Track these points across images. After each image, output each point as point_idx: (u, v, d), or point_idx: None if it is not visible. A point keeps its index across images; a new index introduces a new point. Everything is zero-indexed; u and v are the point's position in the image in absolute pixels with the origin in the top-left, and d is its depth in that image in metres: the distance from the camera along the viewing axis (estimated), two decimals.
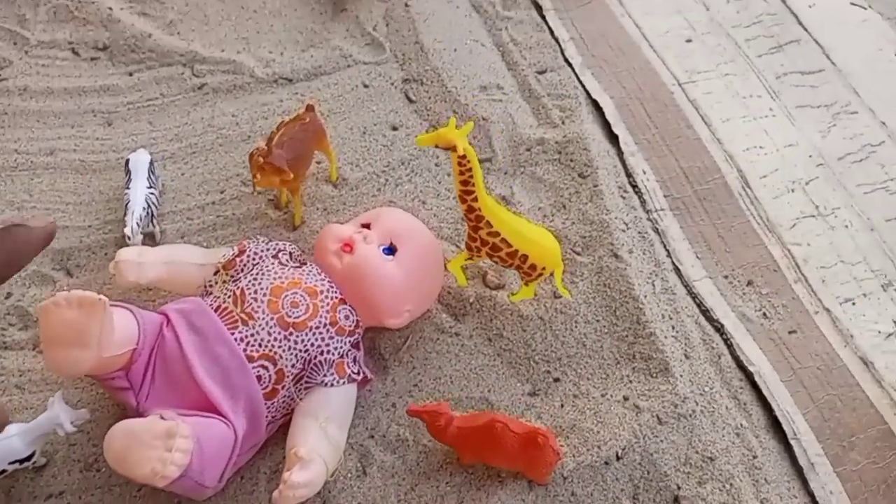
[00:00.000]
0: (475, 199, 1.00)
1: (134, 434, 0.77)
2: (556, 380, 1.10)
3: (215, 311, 0.94)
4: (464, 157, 0.95)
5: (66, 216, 1.17)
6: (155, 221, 1.13)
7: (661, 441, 1.04)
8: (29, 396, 1.01)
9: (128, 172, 1.14)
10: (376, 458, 1.01)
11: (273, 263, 1.00)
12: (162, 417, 0.81)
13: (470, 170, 0.96)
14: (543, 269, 1.07)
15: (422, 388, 1.08)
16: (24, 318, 1.08)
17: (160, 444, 0.76)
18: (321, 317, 0.96)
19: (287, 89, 1.37)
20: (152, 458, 0.75)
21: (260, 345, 0.92)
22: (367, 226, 1.04)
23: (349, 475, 0.99)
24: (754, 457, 1.06)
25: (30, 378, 1.02)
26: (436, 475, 1.01)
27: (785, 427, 1.09)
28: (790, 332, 1.19)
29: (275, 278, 0.97)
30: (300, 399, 0.95)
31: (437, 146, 0.95)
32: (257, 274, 0.98)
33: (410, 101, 1.40)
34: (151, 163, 1.16)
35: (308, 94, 1.37)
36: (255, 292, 0.95)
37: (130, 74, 1.35)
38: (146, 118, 1.30)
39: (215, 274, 1.01)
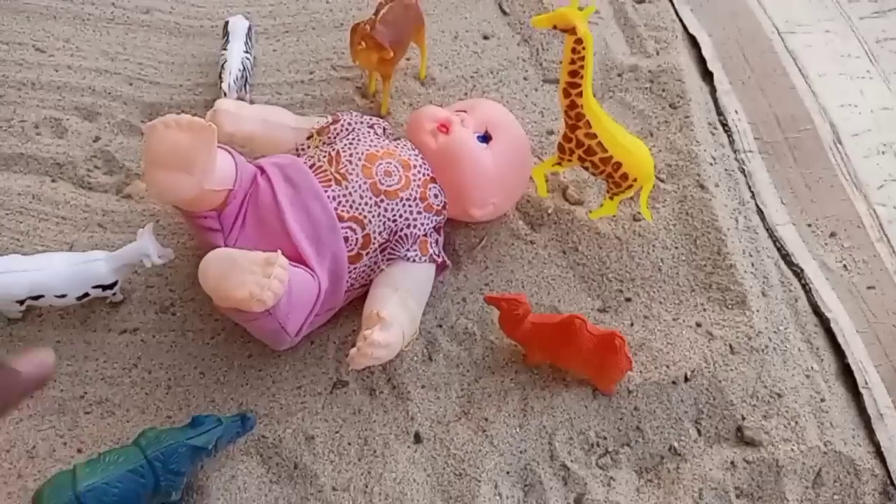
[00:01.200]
0: (580, 94, 0.97)
1: (233, 259, 0.77)
2: (628, 299, 1.09)
3: (310, 168, 0.93)
4: (580, 41, 0.92)
5: (158, 73, 1.17)
6: (248, 87, 1.12)
7: (731, 370, 1.02)
8: (111, 235, 1.01)
9: (226, 34, 1.13)
10: (443, 346, 1.01)
11: (368, 133, 0.99)
12: None
13: (583, 58, 0.93)
14: (635, 180, 1.04)
15: (492, 287, 1.07)
16: (109, 163, 1.08)
17: (259, 269, 0.75)
18: (412, 190, 0.95)
19: None
20: (250, 282, 0.75)
21: (351, 206, 0.91)
22: (463, 112, 1.02)
23: (415, 358, 0.99)
24: (822, 400, 1.04)
25: (112, 219, 1.03)
26: (501, 370, 1.00)
27: (857, 375, 1.07)
28: (869, 288, 1.16)
29: (370, 145, 0.95)
30: (381, 270, 0.94)
31: (553, 27, 0.92)
32: (353, 140, 0.96)
33: (504, 13, 1.37)
34: (250, 28, 1.15)
35: None
36: (351, 156, 0.93)
37: None
38: None
39: (308, 138, 1.00)
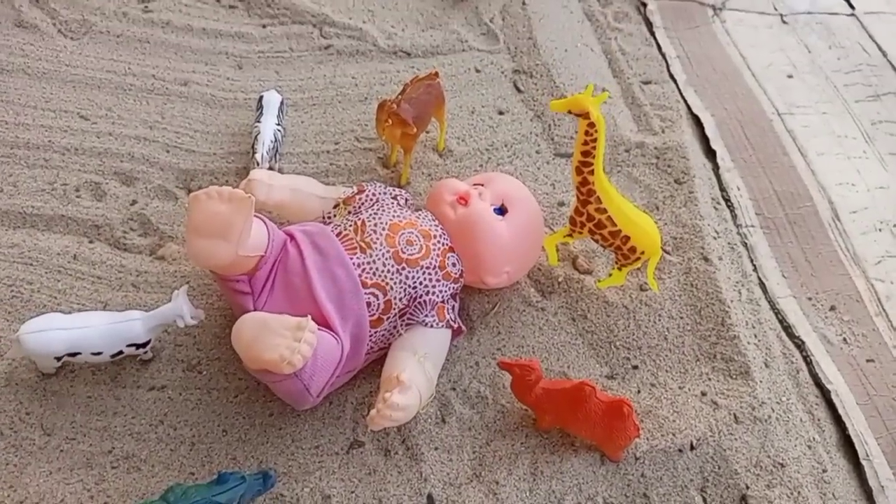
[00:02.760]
0: (591, 172, 1.04)
1: (265, 322, 0.82)
2: (635, 367, 1.13)
3: (336, 236, 0.98)
4: (593, 125, 0.99)
5: (194, 141, 1.24)
6: (278, 156, 1.19)
7: (736, 439, 1.05)
8: (144, 295, 1.06)
9: (260, 107, 1.21)
10: (456, 409, 1.04)
11: (392, 203, 1.05)
12: None
13: (595, 140, 1.00)
14: (642, 253, 1.10)
15: (504, 352, 1.11)
16: (144, 226, 1.14)
17: (290, 334, 0.80)
18: (432, 259, 1.00)
19: (405, 62, 1.44)
20: (281, 345, 0.79)
21: (374, 273, 0.96)
22: (480, 185, 1.09)
23: (429, 420, 1.03)
24: (824, 471, 1.07)
25: (146, 279, 1.08)
26: (511, 434, 1.03)
27: (857, 447, 1.09)
28: (868, 361, 1.20)
29: (393, 216, 1.01)
30: (399, 334, 0.99)
31: (569, 111, 0.99)
32: (377, 210, 1.02)
33: (518, 90, 1.45)
34: (282, 103, 1.22)
35: (424, 69, 1.43)
36: (375, 225, 0.99)
37: (264, 26, 1.43)
38: (274, 67, 1.38)
39: (334, 207, 1.06)
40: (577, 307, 1.17)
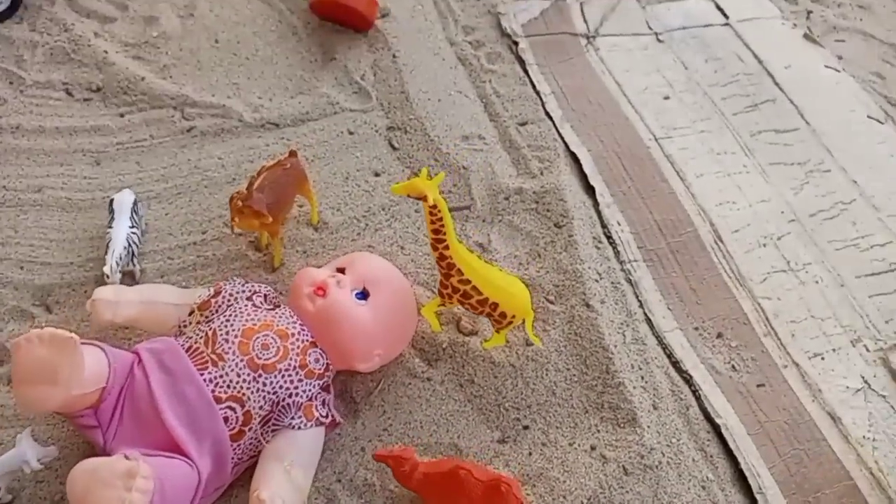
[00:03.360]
0: (446, 248, 1.03)
1: (95, 473, 0.78)
2: (526, 427, 1.12)
3: (186, 351, 0.95)
4: (434, 206, 0.98)
5: (49, 252, 1.19)
6: (135, 260, 1.15)
7: (627, 492, 1.05)
8: (0, 433, 1.01)
9: (111, 212, 1.17)
10: (342, 502, 1.02)
11: (247, 305, 1.02)
12: (126, 457, 0.82)
13: (441, 219, 0.99)
14: (514, 317, 1.09)
15: (391, 432, 1.09)
16: (0, 353, 1.09)
17: (120, 483, 0.77)
18: (291, 359, 0.97)
19: (274, 134, 1.41)
20: (112, 498, 0.76)
21: (228, 386, 0.93)
22: (342, 270, 1.07)
23: None
24: None
25: (2, 413, 1.03)
26: None
27: (751, 481, 1.10)
28: (758, 386, 1.21)
29: (247, 320, 0.99)
30: (267, 441, 0.96)
31: (409, 195, 0.98)
32: (230, 315, 1.00)
33: (394, 148, 1.43)
34: (135, 202, 1.19)
35: (294, 139, 1.41)
36: (227, 333, 0.96)
37: (122, 116, 1.39)
38: (134, 158, 1.34)
39: (190, 314, 1.03)
40: (464, 372, 1.15)
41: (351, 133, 1.45)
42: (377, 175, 1.39)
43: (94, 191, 1.28)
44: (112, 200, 1.18)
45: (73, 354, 0.82)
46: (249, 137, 1.40)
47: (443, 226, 1.00)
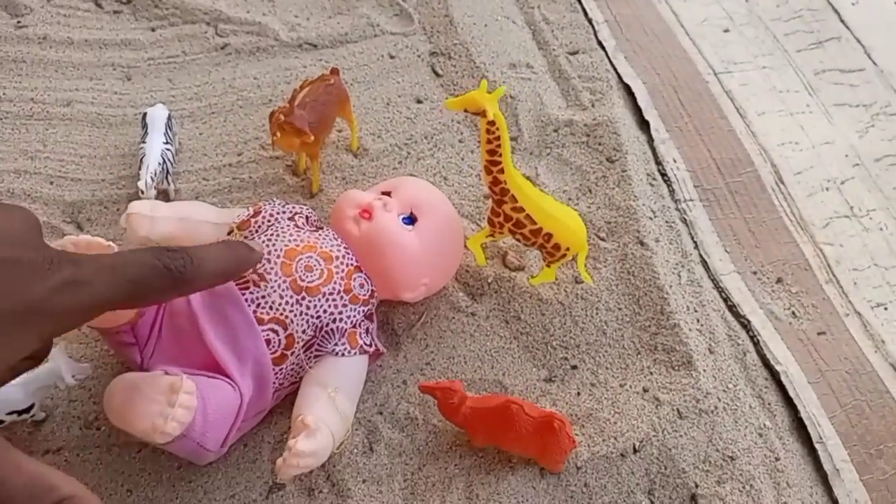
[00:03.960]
0: (501, 171, 0.96)
1: (136, 387, 0.74)
2: (574, 367, 1.06)
3: None
4: (493, 123, 0.90)
5: (80, 169, 1.14)
6: (170, 178, 1.10)
7: (681, 436, 1.00)
8: None
9: (144, 126, 1.11)
10: (384, 434, 0.98)
11: (289, 225, 0.96)
12: (166, 373, 0.77)
13: (498, 138, 0.92)
14: (567, 250, 1.02)
15: (434, 366, 1.04)
16: None
17: (163, 398, 0.72)
18: (335, 283, 0.92)
19: (311, 55, 1.34)
20: (153, 412, 0.72)
21: (271, 307, 0.88)
22: (387, 194, 1.00)
23: (355, 450, 0.96)
24: (777, 459, 1.02)
25: None
26: (444, 456, 0.97)
27: (810, 430, 1.04)
28: (819, 334, 1.15)
29: (290, 240, 0.93)
30: (309, 367, 0.92)
31: (465, 110, 0.91)
32: (272, 235, 0.94)
33: (437, 74, 1.36)
34: (169, 118, 1.12)
35: (333, 61, 1.33)
36: (269, 254, 0.91)
37: (153, 30, 1.31)
38: (166, 75, 1.27)
39: (229, 234, 0.97)
40: (510, 308, 1.10)
41: (392, 57, 1.37)
42: (419, 102, 1.32)
43: (126, 107, 1.21)
44: (144, 115, 1.12)
45: None
46: (286, 57, 1.32)
47: (499, 146, 0.93)
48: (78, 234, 1.07)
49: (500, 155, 0.94)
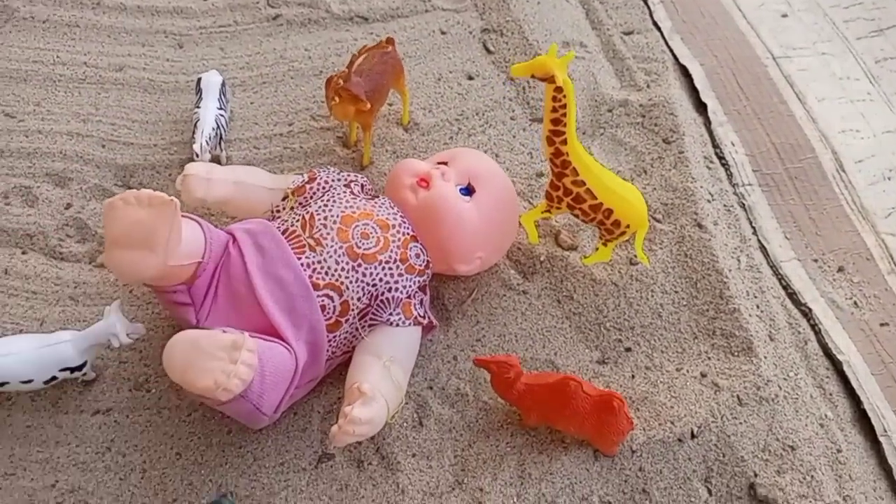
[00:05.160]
0: (564, 142, 0.93)
1: (198, 344, 0.72)
2: (628, 349, 1.03)
3: (283, 234, 0.89)
4: (560, 90, 0.88)
5: (132, 133, 1.13)
6: (223, 144, 1.08)
7: (741, 423, 0.97)
8: (82, 309, 0.97)
9: (199, 91, 1.10)
10: (434, 409, 0.96)
11: (345, 192, 0.95)
12: (224, 332, 0.76)
13: (564, 106, 0.89)
14: (627, 226, 0.99)
15: (485, 343, 1.02)
16: (82, 231, 1.04)
17: (224, 355, 0.71)
18: (391, 251, 0.90)
19: (362, 28, 1.32)
20: (215, 369, 0.70)
21: (326, 273, 0.86)
22: (444, 164, 0.98)
23: (405, 424, 0.94)
24: (838, 451, 0.98)
25: (84, 291, 0.99)
26: (496, 434, 0.95)
27: (874, 423, 1.01)
28: (882, 325, 1.11)
29: (346, 207, 0.91)
30: (363, 337, 0.90)
31: (532, 76, 0.88)
32: (328, 201, 0.92)
33: (488, 51, 1.33)
34: (223, 84, 1.11)
35: (383, 34, 1.31)
36: (325, 219, 0.89)
37: None
38: (218, 44, 1.26)
39: (283, 199, 0.96)
40: (563, 287, 1.07)
41: (443, 33, 1.34)
42: (471, 78, 1.29)
43: (178, 74, 1.21)
44: (200, 80, 1.11)
45: (172, 220, 0.75)
46: (337, 30, 1.31)
47: (565, 115, 0.90)
48: None
49: (565, 125, 0.91)
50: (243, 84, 1.21)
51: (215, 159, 1.08)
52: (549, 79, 0.87)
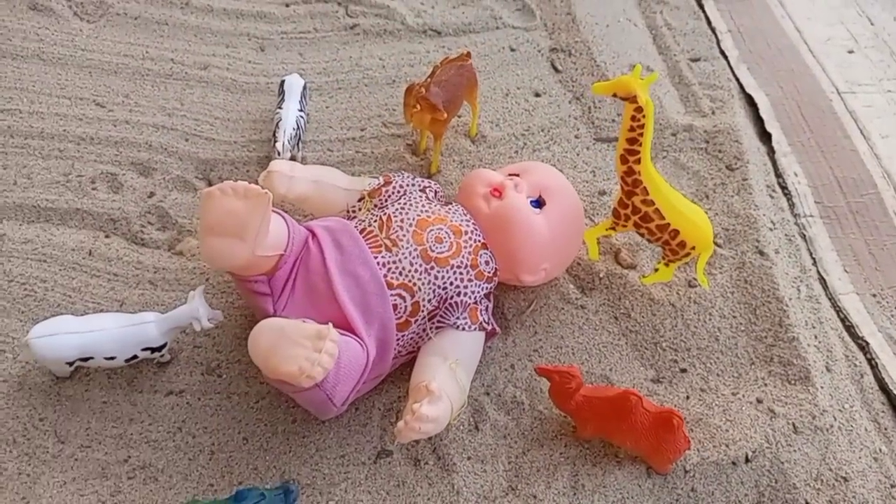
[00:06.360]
0: (637, 161, 0.95)
1: (283, 331, 0.75)
2: (683, 370, 1.04)
3: (360, 233, 0.92)
4: (640, 110, 0.90)
5: (214, 129, 1.18)
6: (301, 144, 1.13)
7: (795, 451, 0.97)
8: (161, 294, 1.01)
9: (281, 93, 1.14)
10: (490, 415, 0.98)
11: (420, 197, 0.98)
12: (306, 322, 0.79)
13: (642, 126, 0.91)
14: (693, 248, 1.01)
15: (542, 354, 1.04)
16: (163, 219, 1.08)
17: (309, 343, 0.74)
18: (463, 257, 0.93)
19: (435, 41, 1.36)
20: (300, 356, 0.73)
21: (400, 273, 0.89)
22: (515, 175, 1.01)
23: (461, 428, 0.96)
24: (892, 486, 0.98)
25: (163, 276, 1.03)
26: (550, 443, 0.96)
27: None
28: None
29: (421, 211, 0.94)
30: (430, 337, 0.92)
31: (614, 95, 0.90)
32: (404, 204, 0.95)
33: (556, 70, 1.36)
34: (305, 87, 1.16)
35: (455, 49, 1.35)
36: (402, 221, 0.92)
37: (287, 6, 1.36)
38: (297, 49, 1.31)
39: (359, 200, 0.99)
40: (620, 305, 1.08)
41: (512, 50, 1.38)
42: (538, 96, 1.32)
43: (259, 75, 1.25)
44: (283, 82, 1.15)
45: (265, 211, 0.79)
46: (411, 42, 1.35)
47: (642, 135, 0.92)
48: None
49: (640, 144, 0.93)
50: (319, 89, 1.26)
51: (293, 159, 1.13)
52: (631, 98, 0.89)
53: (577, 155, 1.25)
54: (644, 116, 0.91)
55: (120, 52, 1.26)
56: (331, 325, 0.77)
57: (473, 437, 0.96)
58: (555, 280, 1.09)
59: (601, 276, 1.11)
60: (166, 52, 1.27)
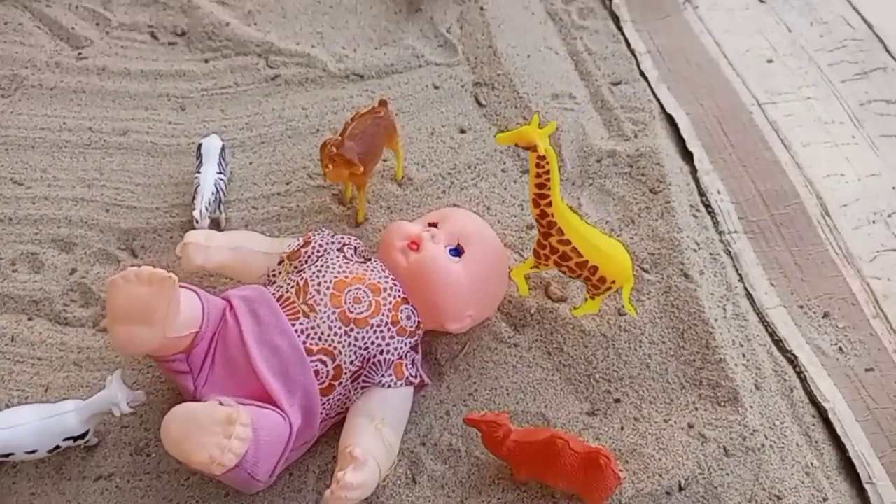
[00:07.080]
0: (549, 204, 0.96)
1: (194, 418, 0.76)
2: (617, 400, 1.06)
3: (278, 300, 0.92)
4: (543, 157, 0.92)
5: (135, 197, 1.17)
6: (222, 207, 1.13)
7: (727, 474, 0.99)
8: (86, 374, 1.00)
9: (199, 156, 1.14)
10: (427, 466, 0.98)
11: (338, 257, 0.98)
12: (220, 403, 0.79)
13: (548, 172, 0.93)
14: (613, 282, 1.03)
15: (477, 398, 1.05)
16: (86, 296, 1.08)
17: (219, 430, 0.74)
18: (383, 315, 0.93)
19: (358, 85, 1.37)
20: (210, 444, 0.73)
21: (320, 338, 0.90)
22: (434, 225, 1.02)
23: (398, 482, 0.97)
24: (824, 499, 1.00)
25: (88, 356, 1.02)
26: (487, 490, 0.97)
27: (859, 470, 1.02)
28: (867, 370, 1.13)
29: (339, 272, 0.95)
30: (355, 398, 0.93)
31: (516, 144, 0.92)
32: (322, 266, 0.96)
33: (480, 104, 1.37)
34: (223, 148, 1.16)
35: (379, 91, 1.36)
36: (319, 285, 0.93)
37: (206, 61, 1.35)
38: (219, 105, 1.31)
39: (279, 263, 0.99)
40: (553, 339, 1.10)
41: (436, 87, 1.39)
42: (463, 132, 1.33)
43: (180, 136, 1.25)
44: (200, 145, 1.15)
45: (171, 295, 0.79)
46: (334, 88, 1.35)
47: (549, 180, 0.94)
48: (131, 262, 1.11)
49: (549, 189, 0.95)
50: (242, 145, 1.26)
51: (215, 221, 1.13)
52: (532, 148, 0.91)
53: (505, 189, 1.26)
54: (548, 163, 0.92)
55: (37, 126, 1.25)
56: (241, 407, 0.77)
57: (411, 490, 0.96)
58: (487, 320, 1.10)
59: (532, 311, 1.12)
60: (84, 121, 1.26)
